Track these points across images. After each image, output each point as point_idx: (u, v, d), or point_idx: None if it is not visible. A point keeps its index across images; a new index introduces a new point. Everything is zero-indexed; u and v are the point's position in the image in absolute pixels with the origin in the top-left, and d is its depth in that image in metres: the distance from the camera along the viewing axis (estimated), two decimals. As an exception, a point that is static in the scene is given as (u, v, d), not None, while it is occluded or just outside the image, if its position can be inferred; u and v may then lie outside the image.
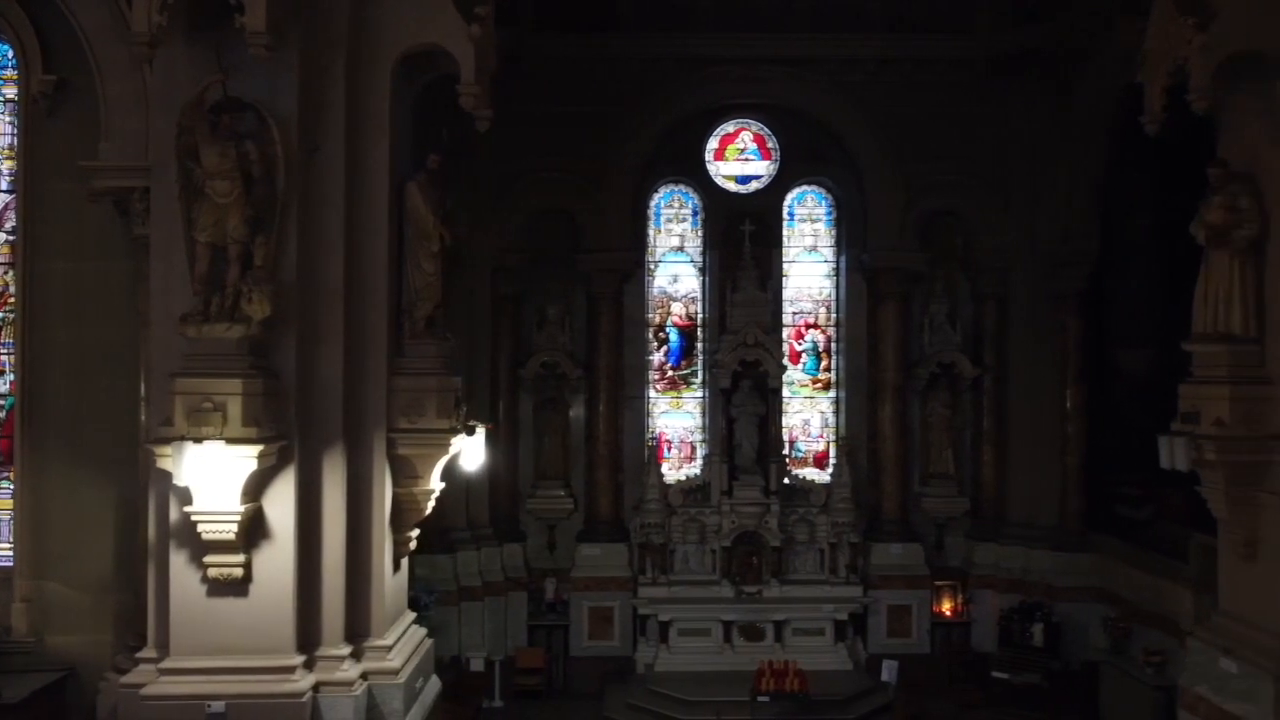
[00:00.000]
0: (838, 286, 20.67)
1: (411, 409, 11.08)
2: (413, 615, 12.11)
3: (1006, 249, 19.50)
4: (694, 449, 20.57)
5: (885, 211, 19.64)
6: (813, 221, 20.74)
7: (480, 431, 11.72)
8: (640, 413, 20.36)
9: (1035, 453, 19.24)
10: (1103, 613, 17.80)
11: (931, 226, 19.96)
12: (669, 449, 20.66)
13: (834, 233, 20.70)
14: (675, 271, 20.69)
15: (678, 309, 20.64)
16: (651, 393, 20.66)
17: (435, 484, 11.48)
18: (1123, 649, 16.93)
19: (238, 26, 9.28)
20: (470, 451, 11.63)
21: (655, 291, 20.66)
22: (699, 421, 20.51)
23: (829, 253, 20.74)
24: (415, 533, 11.76)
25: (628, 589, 19.24)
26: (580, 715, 17.96)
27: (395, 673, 10.78)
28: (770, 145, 20.53)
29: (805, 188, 20.71)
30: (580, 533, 19.78)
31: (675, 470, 20.51)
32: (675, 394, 20.71)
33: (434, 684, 12.30)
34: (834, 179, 20.43)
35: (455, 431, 11.17)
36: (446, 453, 11.20)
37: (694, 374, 20.55)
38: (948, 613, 19.51)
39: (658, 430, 20.65)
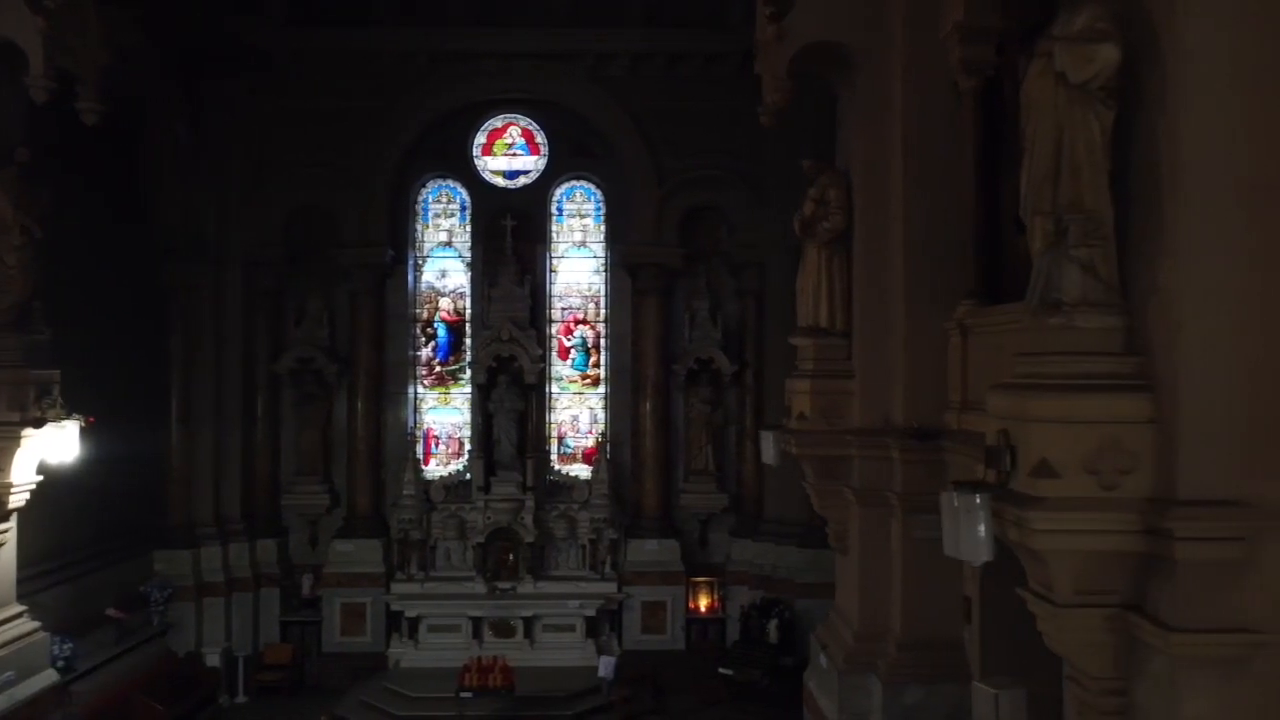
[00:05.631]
0: (606, 282, 20.57)
1: (-19, 402, 11.05)
2: (16, 609, 11.99)
3: (763, 244, 19.39)
4: (462, 445, 20.45)
5: (644, 206, 19.57)
6: (582, 217, 20.65)
7: (70, 425, 11.64)
8: (404, 409, 20.25)
9: (788, 449, 19.10)
10: (837, 609, 17.72)
11: (694, 222, 19.87)
12: (436, 445, 20.55)
13: (603, 228, 20.58)
14: (444, 267, 20.61)
15: (446, 304, 20.56)
16: (420, 388, 20.56)
17: (18, 477, 11.43)
18: (847, 645, 16.81)
19: None
20: (56, 445, 11.54)
21: (423, 287, 20.57)
22: (467, 417, 20.39)
23: (598, 248, 20.65)
24: (7, 525, 11.66)
25: (381, 585, 19.17)
26: (318, 712, 17.85)
27: (-54, 665, 10.74)
28: (539, 140, 20.45)
29: (574, 183, 20.62)
30: (340, 529, 19.69)
31: (443, 466, 20.42)
32: (444, 390, 20.62)
33: (46, 676, 12.24)
34: (601, 174, 20.35)
35: (28, 424, 11.11)
36: (19, 445, 11.14)
37: (462, 370, 20.43)
38: (703, 609, 19.43)
39: (426, 426, 20.55)
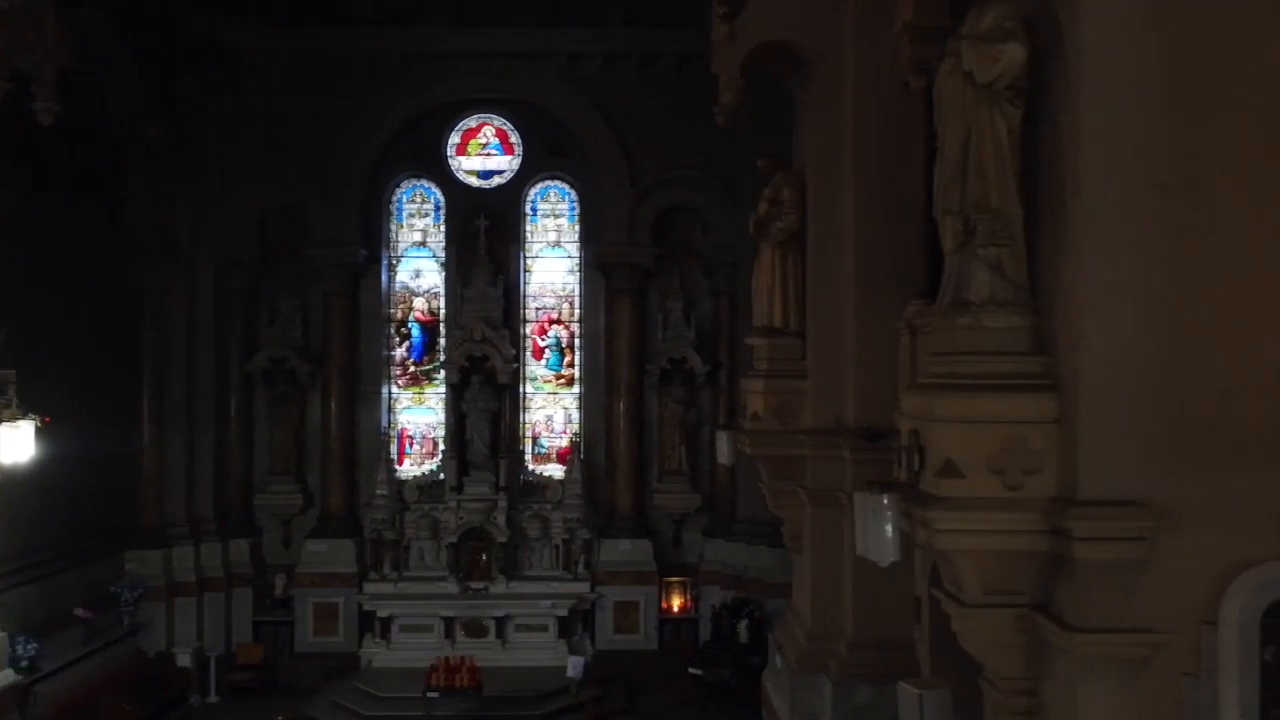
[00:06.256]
0: (580, 282, 20.56)
1: (-71, 401, 11.06)
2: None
3: (737, 244, 19.30)
4: (437, 445, 20.44)
5: (617, 206, 19.59)
6: (556, 217, 20.65)
7: (25, 425, 11.63)
8: (377, 408, 20.23)
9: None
10: (807, 609, 17.72)
11: (668, 222, 19.90)
12: (411, 445, 20.55)
13: (577, 228, 20.58)
14: (418, 266, 20.62)
15: (420, 304, 20.55)
16: (394, 388, 20.56)
17: (-30, 476, 11.44)
18: (815, 645, 16.81)
19: None
20: (11, 445, 11.54)
21: (398, 286, 20.58)
22: (442, 417, 20.36)
23: (573, 248, 20.64)
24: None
25: (354, 585, 19.18)
26: (288, 712, 17.83)
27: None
28: (513, 140, 20.44)
29: (548, 183, 20.62)
30: (313, 529, 19.69)
31: (417, 466, 20.40)
32: (418, 389, 20.62)
33: (3, 676, 12.25)
34: (575, 174, 20.35)
35: (-22, 423, 11.11)
36: (-34, 444, 11.15)
37: (437, 369, 20.42)
38: (676, 609, 19.45)
39: (400, 426, 20.55)
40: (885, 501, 5.71)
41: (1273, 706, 4.97)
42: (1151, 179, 5.33)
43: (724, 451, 12.08)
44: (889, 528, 5.69)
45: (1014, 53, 5.57)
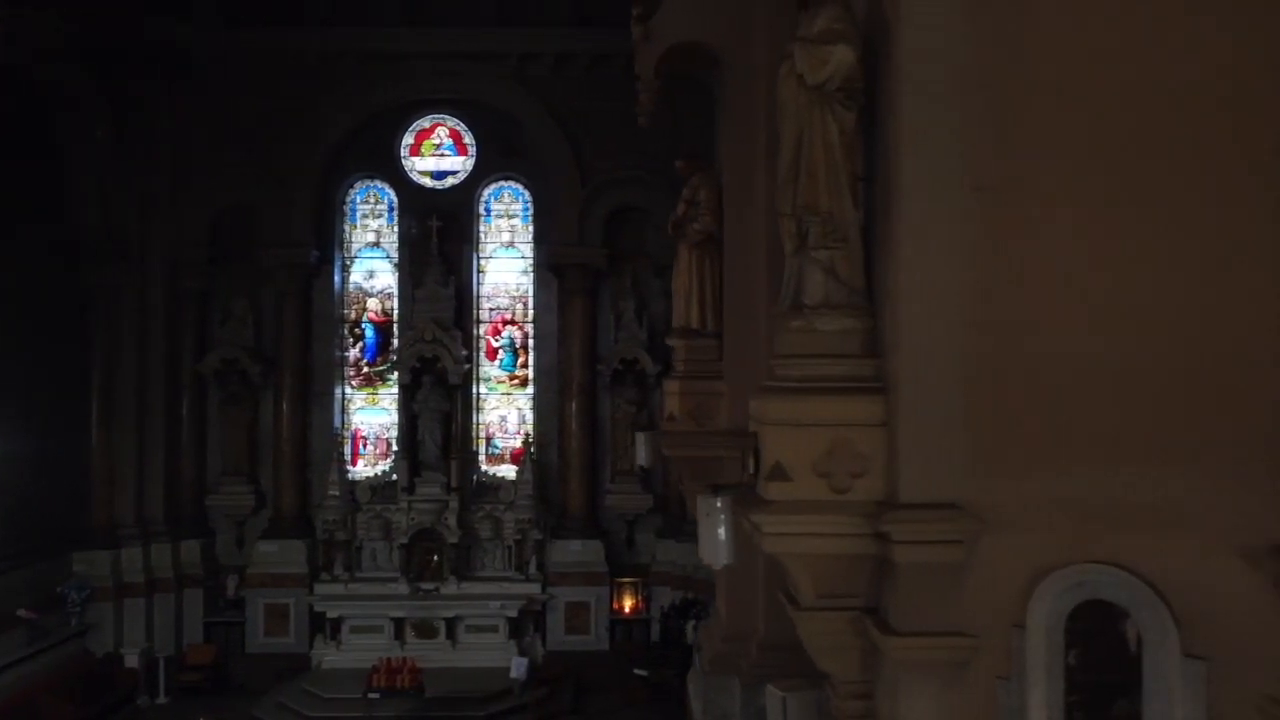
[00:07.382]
0: (533, 283, 20.57)
1: None
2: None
3: (688, 245, 19.33)
4: (390, 445, 20.45)
5: (568, 207, 19.61)
6: (510, 217, 20.68)
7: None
8: (330, 409, 20.23)
9: (711, 449, 19.10)
10: (755, 609, 17.70)
11: (619, 222, 19.91)
12: (365, 445, 20.55)
13: (531, 229, 20.58)
14: (371, 267, 20.66)
15: (374, 305, 20.57)
16: (348, 389, 20.58)
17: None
18: (761, 646, 16.80)
19: None
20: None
21: (351, 287, 20.60)
22: (395, 418, 20.37)
23: (526, 249, 20.66)
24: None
25: (304, 586, 19.18)
26: (235, 713, 17.84)
27: None
28: (466, 141, 20.47)
29: (502, 183, 20.67)
30: (265, 529, 19.70)
31: (371, 467, 20.42)
32: (372, 390, 20.64)
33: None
34: (529, 175, 20.38)
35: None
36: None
37: (390, 370, 20.42)
38: (628, 610, 19.46)
39: (354, 426, 20.56)
40: (719, 504, 5.70)
41: (1076, 709, 4.95)
42: (972, 180, 5.31)
43: (642, 453, 12.09)
44: (721, 530, 5.68)
45: (843, 54, 5.56)
